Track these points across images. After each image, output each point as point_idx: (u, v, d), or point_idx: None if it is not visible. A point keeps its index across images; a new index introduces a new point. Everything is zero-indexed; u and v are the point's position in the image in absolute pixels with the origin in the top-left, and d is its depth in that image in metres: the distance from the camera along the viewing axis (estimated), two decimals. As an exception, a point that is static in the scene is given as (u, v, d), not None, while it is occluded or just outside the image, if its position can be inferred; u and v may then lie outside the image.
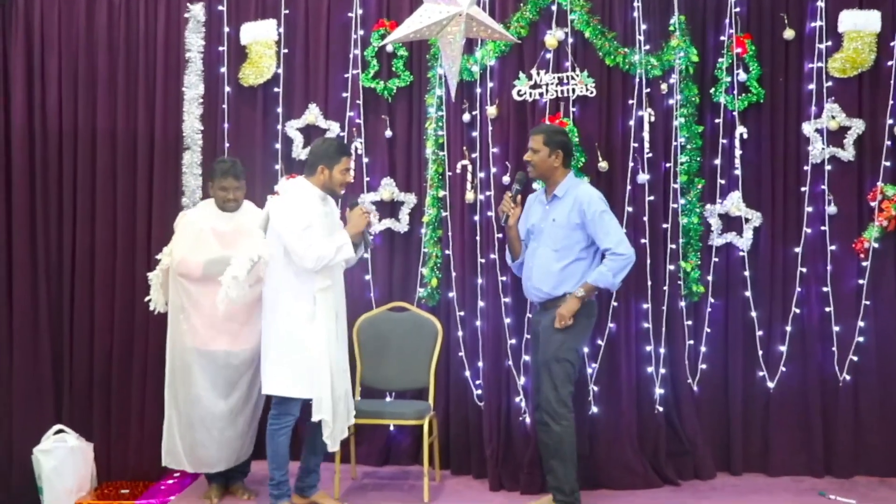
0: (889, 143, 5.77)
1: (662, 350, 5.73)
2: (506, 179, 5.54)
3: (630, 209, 5.63)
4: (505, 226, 5.32)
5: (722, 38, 5.86)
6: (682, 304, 5.81)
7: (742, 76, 5.81)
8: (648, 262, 5.66)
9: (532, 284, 5.19)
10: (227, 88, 6.19)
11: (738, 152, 5.84)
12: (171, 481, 5.78)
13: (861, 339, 5.79)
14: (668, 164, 5.77)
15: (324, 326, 4.97)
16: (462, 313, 5.84)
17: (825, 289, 5.81)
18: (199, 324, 5.23)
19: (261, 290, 5.13)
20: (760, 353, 5.85)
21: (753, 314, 5.85)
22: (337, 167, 5.08)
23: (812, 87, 5.80)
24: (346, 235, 5.01)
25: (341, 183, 5.13)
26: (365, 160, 6.10)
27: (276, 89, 6.16)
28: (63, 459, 5.78)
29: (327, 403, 4.94)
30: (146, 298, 5.47)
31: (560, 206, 5.12)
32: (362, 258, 5.88)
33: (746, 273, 5.85)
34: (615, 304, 5.64)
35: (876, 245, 5.76)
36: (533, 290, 5.21)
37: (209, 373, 5.23)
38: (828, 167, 5.81)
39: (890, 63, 5.75)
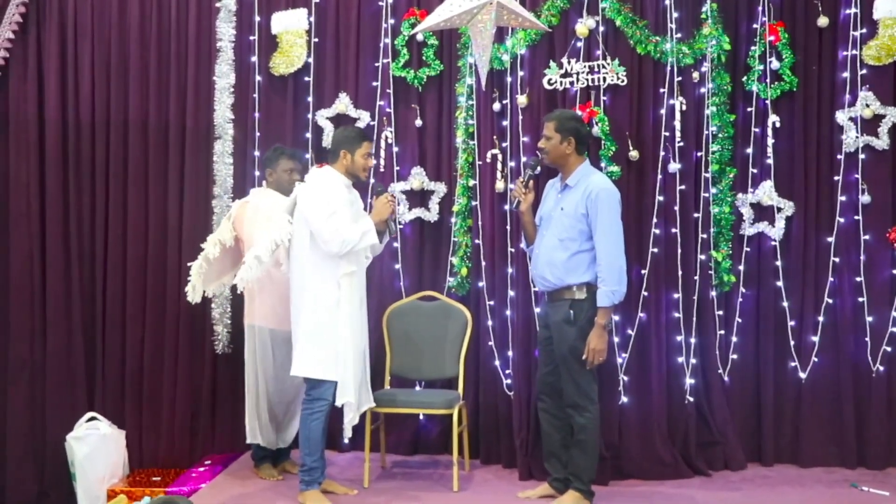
0: (925, 131, 5.73)
1: (693, 340, 5.70)
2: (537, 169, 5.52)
3: (661, 198, 5.60)
4: (517, 211, 5.30)
5: (754, 25, 5.82)
6: (713, 293, 5.78)
7: (775, 64, 5.76)
8: (679, 251, 5.63)
9: (537, 273, 5.15)
10: (257, 78, 6.20)
11: (770, 141, 5.80)
12: (202, 469, 5.81)
13: (895, 329, 5.74)
14: (699, 153, 5.74)
15: (348, 311, 5.02)
16: (492, 302, 5.83)
17: (858, 279, 5.76)
18: (277, 304, 5.39)
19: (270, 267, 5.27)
20: (792, 343, 5.81)
21: (785, 304, 5.81)
22: (359, 151, 5.12)
23: (846, 74, 5.75)
24: (370, 222, 5.05)
25: (364, 167, 5.18)
26: (395, 149, 6.10)
27: (306, 78, 6.18)
28: (96, 446, 5.84)
29: (351, 388, 4.99)
30: (185, 289, 5.49)
31: (570, 196, 5.06)
32: (391, 246, 5.91)
33: (778, 263, 5.82)
34: (645, 293, 5.61)
35: (911, 235, 5.71)
36: (538, 278, 5.17)
37: (282, 350, 5.35)
38: (861, 156, 5.75)
39: (926, 51, 5.70)
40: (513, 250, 5.72)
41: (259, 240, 5.11)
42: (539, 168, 5.31)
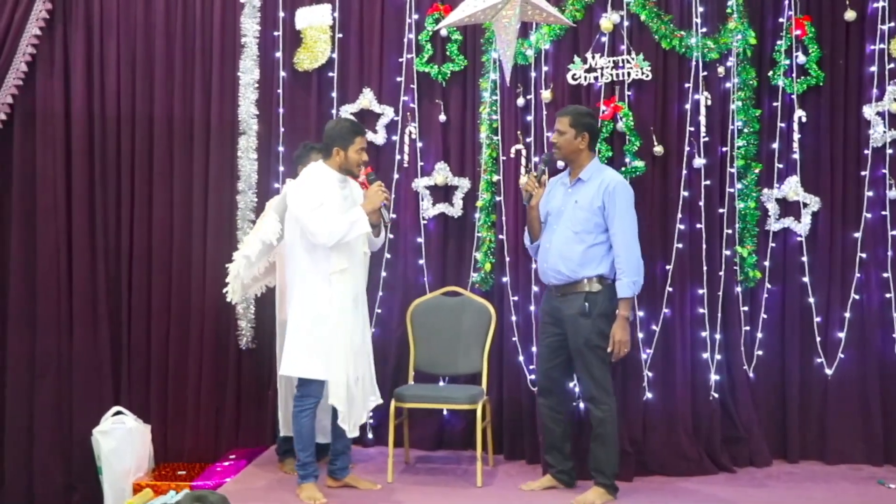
0: (953, 125, 5.68)
1: (718, 336, 5.68)
2: (559, 164, 5.49)
3: (686, 193, 5.58)
4: (527, 205, 5.29)
5: (780, 19, 5.79)
6: (739, 289, 5.76)
7: (801, 59, 5.73)
8: (704, 246, 5.61)
9: (549, 266, 5.14)
10: (282, 73, 6.21)
11: (796, 136, 5.77)
12: (227, 463, 5.83)
13: (921, 325, 5.71)
14: (724, 149, 5.71)
15: (339, 309, 4.94)
16: (516, 298, 5.82)
17: (885, 274, 5.72)
18: None
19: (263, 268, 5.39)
20: (818, 339, 5.79)
21: (811, 300, 5.78)
22: (351, 147, 5.04)
23: (874, 69, 5.71)
24: (360, 211, 4.94)
25: (357, 163, 5.09)
26: (419, 144, 6.10)
27: (330, 74, 6.18)
28: (121, 440, 5.88)
29: (341, 389, 4.92)
30: (224, 290, 5.48)
31: (584, 189, 5.07)
32: (415, 242, 5.91)
33: (804, 258, 5.78)
34: (670, 289, 5.59)
35: (938, 230, 5.67)
36: (551, 272, 5.15)
37: None
38: (889, 151, 5.71)
39: (954, 44, 5.65)
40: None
41: (249, 239, 5.14)
42: (550, 163, 5.31)
